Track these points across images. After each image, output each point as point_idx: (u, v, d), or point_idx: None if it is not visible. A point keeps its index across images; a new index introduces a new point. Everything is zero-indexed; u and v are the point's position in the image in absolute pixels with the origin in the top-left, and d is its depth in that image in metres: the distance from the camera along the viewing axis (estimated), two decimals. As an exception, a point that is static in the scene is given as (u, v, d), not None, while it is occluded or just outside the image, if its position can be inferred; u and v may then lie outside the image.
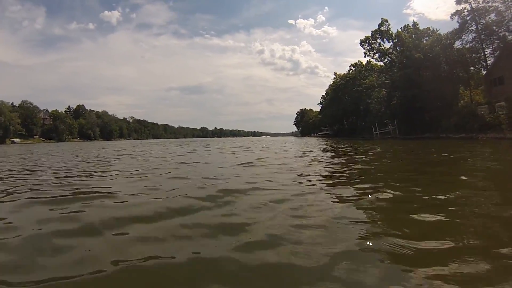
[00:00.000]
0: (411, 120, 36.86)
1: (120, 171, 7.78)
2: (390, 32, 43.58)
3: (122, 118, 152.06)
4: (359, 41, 46.45)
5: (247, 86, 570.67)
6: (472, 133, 26.94)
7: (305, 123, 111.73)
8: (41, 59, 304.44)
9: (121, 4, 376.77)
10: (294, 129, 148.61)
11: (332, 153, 13.88)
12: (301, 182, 5.34)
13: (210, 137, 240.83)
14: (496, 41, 30.60)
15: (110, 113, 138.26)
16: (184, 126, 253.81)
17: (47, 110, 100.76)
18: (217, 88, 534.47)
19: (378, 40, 44.99)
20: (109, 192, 4.64)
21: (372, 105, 48.87)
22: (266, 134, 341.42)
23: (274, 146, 23.83)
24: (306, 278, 1.87)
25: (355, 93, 59.27)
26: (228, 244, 2.43)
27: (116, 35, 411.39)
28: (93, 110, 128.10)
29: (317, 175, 6.21)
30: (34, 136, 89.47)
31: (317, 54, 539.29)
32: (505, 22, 28.94)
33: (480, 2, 30.99)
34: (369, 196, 4.03)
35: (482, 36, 31.42)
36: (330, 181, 5.46)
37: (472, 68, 35.10)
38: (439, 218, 3.01)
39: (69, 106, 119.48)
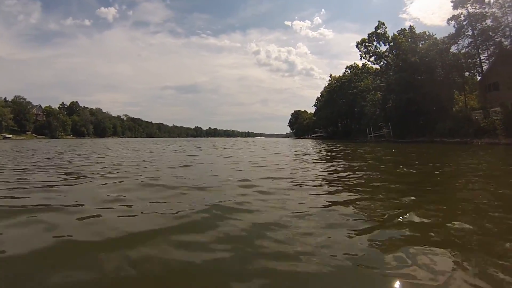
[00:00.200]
0: (406, 124, 36.77)
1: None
2: (387, 35, 43.54)
3: (116, 115, 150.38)
4: (355, 43, 46.40)
5: (242, 86, 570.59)
6: (466, 137, 26.82)
7: (299, 125, 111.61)
8: (36, 54, 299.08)
9: (118, 0, 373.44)
10: (288, 130, 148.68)
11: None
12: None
13: (204, 136, 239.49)
14: (491, 47, 30.66)
15: (104, 111, 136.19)
16: (179, 125, 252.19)
17: (40, 106, 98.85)
18: (212, 88, 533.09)
19: (375, 43, 44.93)
20: None
21: (367, 107, 48.77)
22: (260, 134, 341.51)
23: (268, 146, 23.30)
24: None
25: (350, 95, 59.24)
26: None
27: (112, 32, 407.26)
28: (87, 107, 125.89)
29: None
30: (27, 132, 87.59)
31: (313, 56, 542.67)
32: (502, 28, 29.03)
33: (477, 8, 31.02)
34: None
35: (478, 41, 31.46)
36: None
37: (467, 73, 35.16)
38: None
39: (63, 103, 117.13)
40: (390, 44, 42.95)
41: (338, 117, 68.62)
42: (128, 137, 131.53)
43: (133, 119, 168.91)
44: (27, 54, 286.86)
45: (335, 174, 6.55)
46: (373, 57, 45.75)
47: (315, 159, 11.00)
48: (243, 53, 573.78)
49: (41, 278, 1.85)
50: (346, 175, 6.33)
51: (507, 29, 28.68)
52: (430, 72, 35.51)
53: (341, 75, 68.91)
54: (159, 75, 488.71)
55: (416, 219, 3.03)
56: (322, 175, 6.53)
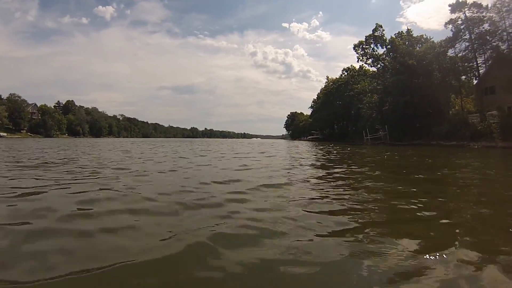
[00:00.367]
0: (403, 126, 36.74)
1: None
2: (384, 38, 43.55)
3: (112, 115, 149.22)
4: (353, 46, 46.29)
5: (238, 87, 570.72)
6: (463, 141, 26.83)
7: (296, 126, 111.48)
8: (33, 52, 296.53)
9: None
10: (284, 131, 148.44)
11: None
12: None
13: (200, 137, 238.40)
14: (488, 51, 30.76)
15: (100, 110, 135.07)
16: (175, 126, 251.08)
17: (35, 104, 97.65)
18: (209, 89, 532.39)
19: (372, 45, 44.90)
20: None
21: (363, 110, 48.75)
22: (256, 136, 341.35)
23: (268, 149, 22.90)
24: None
25: (346, 97, 59.26)
26: None
27: (110, 30, 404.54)
28: (83, 106, 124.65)
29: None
30: (22, 131, 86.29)
31: (310, 58, 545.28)
32: (499, 32, 29.15)
33: (475, 12, 31.16)
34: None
35: (475, 45, 31.55)
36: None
37: (463, 76, 35.32)
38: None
39: (58, 101, 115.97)
40: (388, 46, 42.97)
41: (335, 119, 68.63)
42: (123, 137, 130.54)
43: (129, 119, 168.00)
44: (24, 52, 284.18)
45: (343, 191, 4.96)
46: (370, 60, 45.69)
47: (314, 165, 10.62)
48: (240, 54, 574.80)
49: None
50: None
51: (504, 33, 28.83)
52: (427, 75, 35.59)
53: (338, 77, 68.96)
54: (155, 75, 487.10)
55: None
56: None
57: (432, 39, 37.97)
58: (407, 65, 36.98)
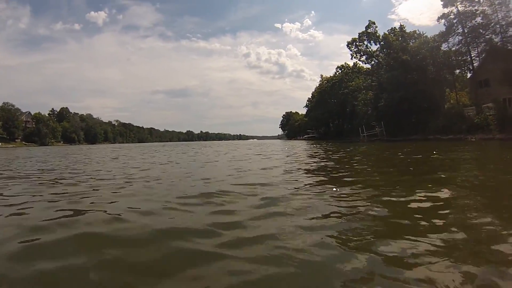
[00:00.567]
0: (398, 122, 36.64)
1: None
2: (377, 34, 43.52)
3: (107, 121, 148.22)
4: (346, 43, 46.22)
5: (232, 89, 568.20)
6: (460, 134, 26.79)
7: (291, 126, 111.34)
8: (25, 59, 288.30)
9: (108, 4, 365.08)
10: (280, 132, 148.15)
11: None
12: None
13: (196, 140, 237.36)
14: (482, 44, 30.80)
15: (94, 116, 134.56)
16: (170, 130, 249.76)
17: (29, 113, 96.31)
18: (203, 91, 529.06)
19: (365, 42, 44.86)
20: None
21: (359, 107, 48.66)
22: (252, 137, 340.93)
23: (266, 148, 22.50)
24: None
25: (341, 95, 59.21)
26: None
27: (102, 36, 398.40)
28: (77, 113, 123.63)
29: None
30: (16, 140, 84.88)
31: (303, 58, 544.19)
32: (492, 25, 29.17)
33: (467, 6, 31.18)
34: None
35: (468, 39, 31.58)
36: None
37: (458, 70, 35.36)
38: None
39: (52, 109, 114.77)
40: (381, 43, 42.93)
41: (330, 117, 68.56)
42: (119, 143, 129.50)
43: (124, 125, 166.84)
44: (16, 60, 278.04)
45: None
46: (364, 57, 45.65)
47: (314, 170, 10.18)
48: (233, 56, 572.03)
49: None
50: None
51: (497, 26, 28.85)
52: (421, 70, 35.58)
53: (332, 75, 68.95)
54: (149, 80, 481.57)
55: None
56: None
57: (426, 34, 38.01)
58: (401, 61, 36.95)
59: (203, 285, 1.81)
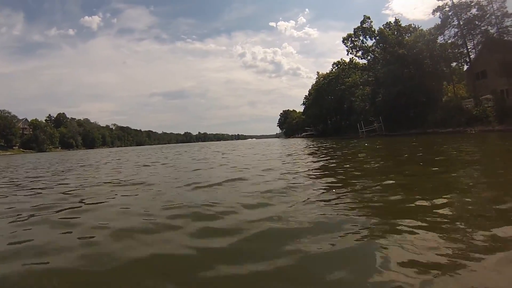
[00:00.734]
0: (397, 116, 36.53)
1: None
2: (373, 29, 43.36)
3: (104, 125, 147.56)
4: (342, 39, 46.06)
5: (229, 89, 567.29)
6: (459, 126, 26.67)
7: (289, 124, 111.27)
8: (20, 66, 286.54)
9: (102, 9, 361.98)
10: (278, 130, 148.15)
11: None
12: None
13: (194, 141, 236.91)
14: (478, 36, 30.69)
15: (92, 121, 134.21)
16: (168, 132, 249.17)
17: (26, 119, 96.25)
18: (200, 93, 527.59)
19: (361, 38, 44.68)
20: None
21: (356, 103, 48.53)
22: (251, 136, 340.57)
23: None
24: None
25: (338, 92, 58.95)
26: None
27: (97, 40, 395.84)
28: (75, 118, 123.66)
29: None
30: (14, 147, 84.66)
31: (299, 56, 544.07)
32: (487, 16, 29.07)
33: (462, -3, 31.04)
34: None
35: (464, 31, 31.47)
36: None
37: (454, 63, 35.27)
38: None
39: (49, 115, 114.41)
40: (377, 38, 42.78)
41: (327, 114, 68.32)
42: (117, 147, 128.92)
43: (122, 128, 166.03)
44: (11, 67, 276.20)
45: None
46: (360, 52, 45.49)
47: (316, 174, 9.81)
48: (229, 56, 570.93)
49: None
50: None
51: (493, 17, 28.75)
52: (418, 64, 35.42)
53: (328, 72, 68.70)
54: (145, 82, 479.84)
55: None
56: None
57: (421, 28, 37.88)
58: (398, 55, 36.80)
59: None
